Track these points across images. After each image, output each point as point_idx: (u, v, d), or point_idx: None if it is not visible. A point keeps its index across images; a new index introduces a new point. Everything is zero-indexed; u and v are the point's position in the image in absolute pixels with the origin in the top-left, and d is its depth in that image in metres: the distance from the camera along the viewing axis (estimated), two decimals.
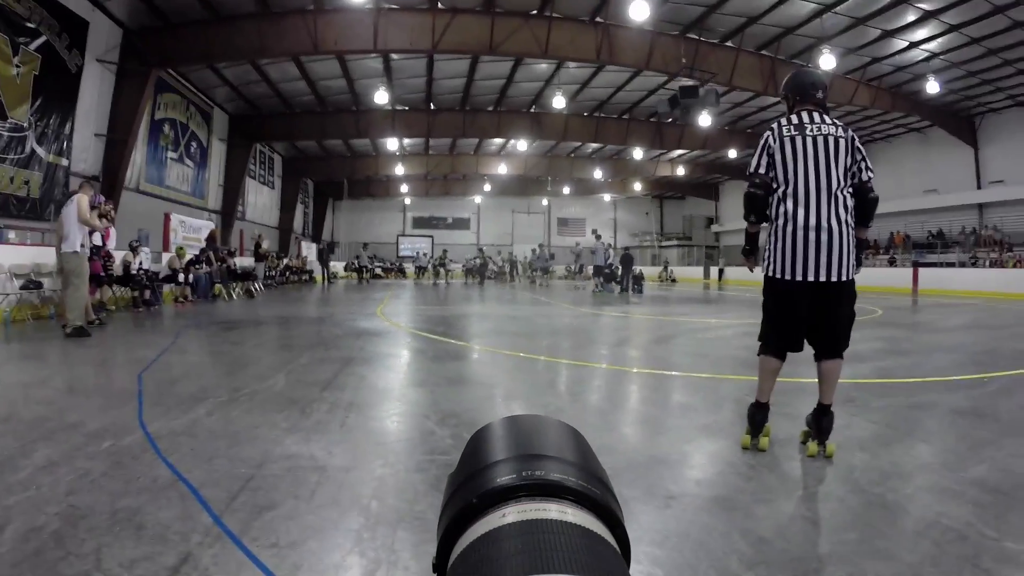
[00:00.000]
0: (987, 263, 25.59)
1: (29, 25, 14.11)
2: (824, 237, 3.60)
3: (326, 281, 30.54)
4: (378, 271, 40.11)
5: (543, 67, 23.06)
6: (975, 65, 21.74)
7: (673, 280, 39.43)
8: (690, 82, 20.16)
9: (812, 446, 3.68)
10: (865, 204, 3.78)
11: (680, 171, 39.14)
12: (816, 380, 3.84)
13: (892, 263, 29.49)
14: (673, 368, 6.98)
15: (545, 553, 0.37)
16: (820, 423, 3.68)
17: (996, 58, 20.87)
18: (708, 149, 32.89)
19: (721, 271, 39.03)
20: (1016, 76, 22.59)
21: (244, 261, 22.90)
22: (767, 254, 3.85)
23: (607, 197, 49.28)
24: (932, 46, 20.36)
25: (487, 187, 44.06)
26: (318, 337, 9.12)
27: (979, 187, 28.17)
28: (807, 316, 3.78)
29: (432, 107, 27.63)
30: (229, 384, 5.50)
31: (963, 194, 28.58)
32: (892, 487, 3.26)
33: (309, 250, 35.55)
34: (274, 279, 25.49)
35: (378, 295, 21.07)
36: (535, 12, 18.60)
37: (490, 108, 28.14)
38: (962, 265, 26.47)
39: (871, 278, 27.29)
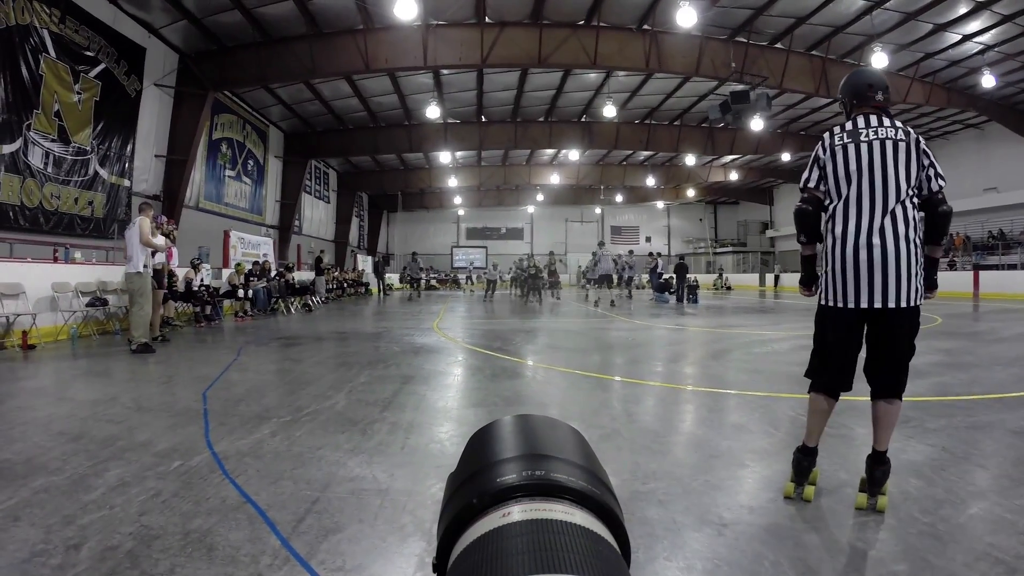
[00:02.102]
0: None
1: (88, 53, 14.69)
2: (877, 255, 3.13)
3: (382, 293, 30.83)
4: (433, 282, 40.39)
5: (592, 76, 23.09)
6: None
7: (728, 288, 38.94)
8: (741, 86, 20.00)
9: (860, 498, 3.26)
10: (935, 218, 3.27)
11: (733, 176, 38.79)
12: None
13: (952, 266, 28.68)
14: (728, 386, 6.92)
15: (547, 553, 0.38)
16: (872, 473, 3.26)
17: None
18: (761, 153, 32.44)
19: (777, 277, 38.43)
20: None
21: (301, 275, 23.29)
22: (820, 279, 3.45)
23: (660, 204, 49.02)
24: (986, 38, 19.92)
25: (540, 197, 44.22)
26: (376, 354, 9.21)
27: None
28: (859, 349, 3.37)
29: (483, 119, 27.86)
30: (291, 403, 5.63)
31: None
32: (944, 516, 3.19)
33: (365, 263, 36.04)
34: (332, 292, 25.85)
35: (435, 308, 21.22)
36: (582, 22, 18.66)
37: (541, 119, 28.26)
38: None
39: None
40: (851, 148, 3.28)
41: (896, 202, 3.16)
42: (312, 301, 20.55)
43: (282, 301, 18.58)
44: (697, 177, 39.38)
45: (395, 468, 3.86)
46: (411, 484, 3.60)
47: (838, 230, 3.28)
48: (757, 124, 22.66)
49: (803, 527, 3.01)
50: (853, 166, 3.25)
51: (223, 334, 12.53)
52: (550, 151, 33.37)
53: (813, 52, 21.22)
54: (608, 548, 0.41)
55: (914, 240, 3.16)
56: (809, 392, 3.51)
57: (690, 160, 34.58)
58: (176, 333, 12.23)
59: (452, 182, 37.11)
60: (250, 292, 16.61)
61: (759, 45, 20.48)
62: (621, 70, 20.86)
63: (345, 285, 29.01)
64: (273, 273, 19.16)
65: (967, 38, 19.92)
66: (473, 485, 0.48)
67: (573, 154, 32.58)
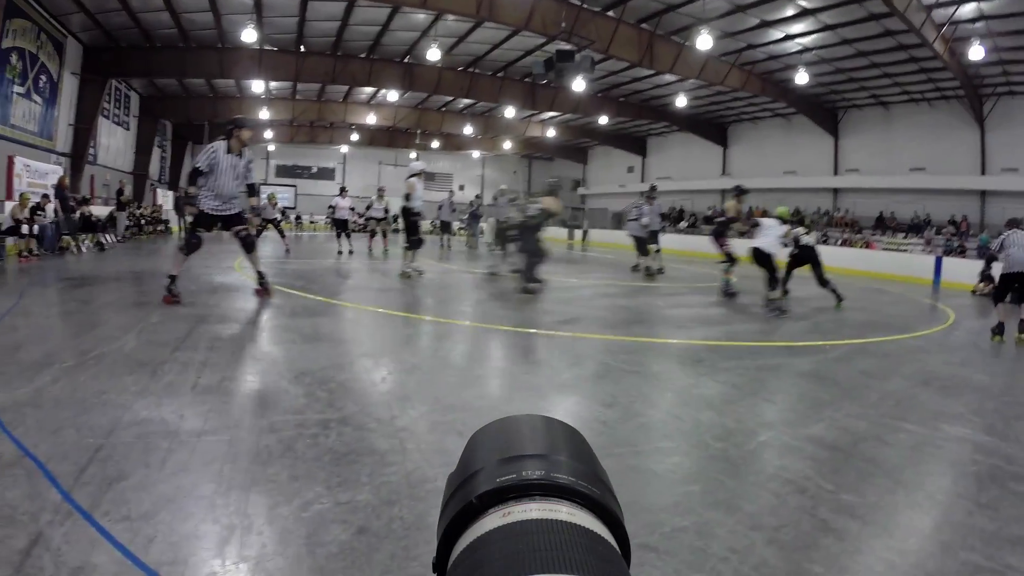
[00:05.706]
0: (839, 242, 27.36)
1: None
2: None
3: (183, 232, 29.23)
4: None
5: (421, 17, 22.56)
6: (844, 63, 23.14)
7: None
8: (567, 46, 20.36)
9: (1017, 337, 8.75)
10: None
11: (551, 133, 39.49)
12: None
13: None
14: (535, 326, 7.19)
15: (546, 553, 0.39)
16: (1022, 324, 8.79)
17: (864, 59, 22.31)
18: (580, 114, 33.20)
19: (585, 232, 39.72)
20: (880, 78, 24.28)
21: (96, 209, 21.41)
22: (1003, 267, 9.10)
23: (476, 154, 49.08)
24: (807, 40, 21.43)
25: (354, 137, 42.94)
26: None
27: (835, 173, 30.36)
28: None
29: (302, 49, 26.61)
30: (76, 347, 5.29)
31: (820, 178, 30.78)
32: (736, 443, 3.55)
33: (165, 198, 33.70)
34: (129, 230, 24.07)
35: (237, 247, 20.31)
36: None
37: (363, 55, 27.36)
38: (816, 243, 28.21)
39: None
40: (1012, 236, 8.99)
41: None
42: (105, 239, 19.10)
43: (72, 239, 17.18)
44: (515, 130, 39.76)
45: (185, 409, 3.77)
46: (202, 424, 3.54)
47: (1009, 256, 9.01)
48: (579, 85, 23.14)
49: (603, 454, 3.21)
50: (1013, 244, 8.96)
51: (4, 276, 11.39)
52: (369, 90, 32.26)
53: (643, 25, 21.84)
54: (608, 548, 0.42)
55: None
56: (995, 303, 9.20)
57: (510, 113, 34.73)
58: None
59: (264, 115, 35.28)
60: (35, 229, 15.19)
61: (592, 10, 20.78)
62: (452, 14, 20.51)
63: (143, 222, 27.16)
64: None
65: (789, 37, 21.33)
66: (473, 485, 0.48)
67: (392, 95, 31.93)
